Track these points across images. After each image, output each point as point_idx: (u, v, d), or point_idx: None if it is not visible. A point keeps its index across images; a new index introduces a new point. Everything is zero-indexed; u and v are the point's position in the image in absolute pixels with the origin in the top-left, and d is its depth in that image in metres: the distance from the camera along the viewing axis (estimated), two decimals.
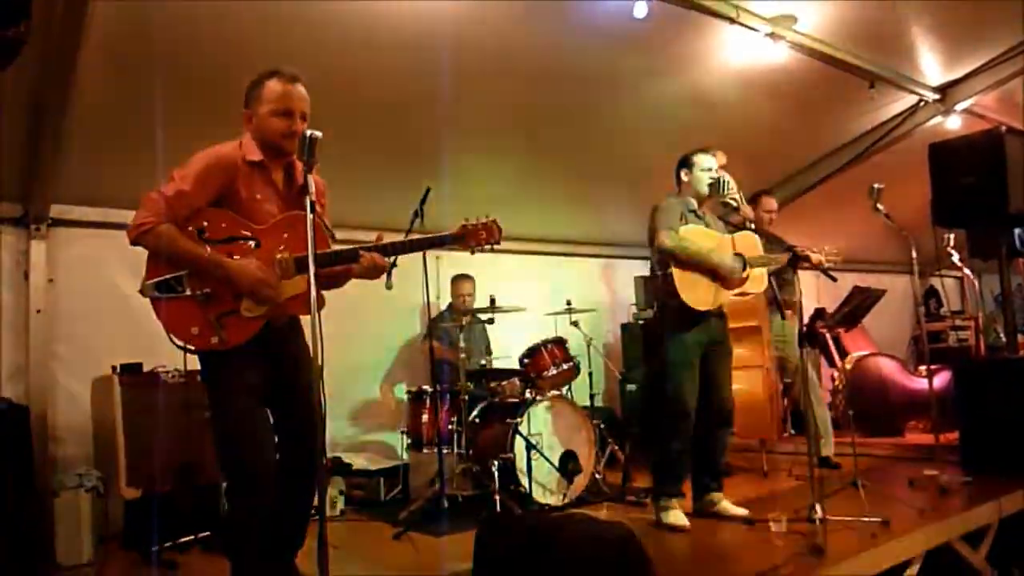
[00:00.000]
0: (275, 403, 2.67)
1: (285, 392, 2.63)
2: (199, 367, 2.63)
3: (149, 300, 2.50)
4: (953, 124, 5.94)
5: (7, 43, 1.65)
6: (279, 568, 2.74)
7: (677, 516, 3.77)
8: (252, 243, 2.56)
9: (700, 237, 3.84)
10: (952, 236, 5.06)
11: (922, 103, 5.96)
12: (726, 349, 4.02)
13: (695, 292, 3.77)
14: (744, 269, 3.88)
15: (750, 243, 3.98)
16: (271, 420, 2.68)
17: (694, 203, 3.96)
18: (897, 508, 3.70)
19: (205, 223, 2.52)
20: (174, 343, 2.50)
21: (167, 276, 2.48)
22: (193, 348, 2.51)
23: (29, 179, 4.10)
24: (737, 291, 3.92)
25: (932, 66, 5.56)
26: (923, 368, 6.49)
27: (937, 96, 5.88)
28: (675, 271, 3.74)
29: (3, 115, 3.59)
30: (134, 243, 2.48)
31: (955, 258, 5.03)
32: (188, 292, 2.48)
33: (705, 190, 3.91)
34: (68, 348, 4.37)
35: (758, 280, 3.98)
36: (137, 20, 3.37)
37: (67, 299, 4.39)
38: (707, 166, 3.94)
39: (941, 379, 5.92)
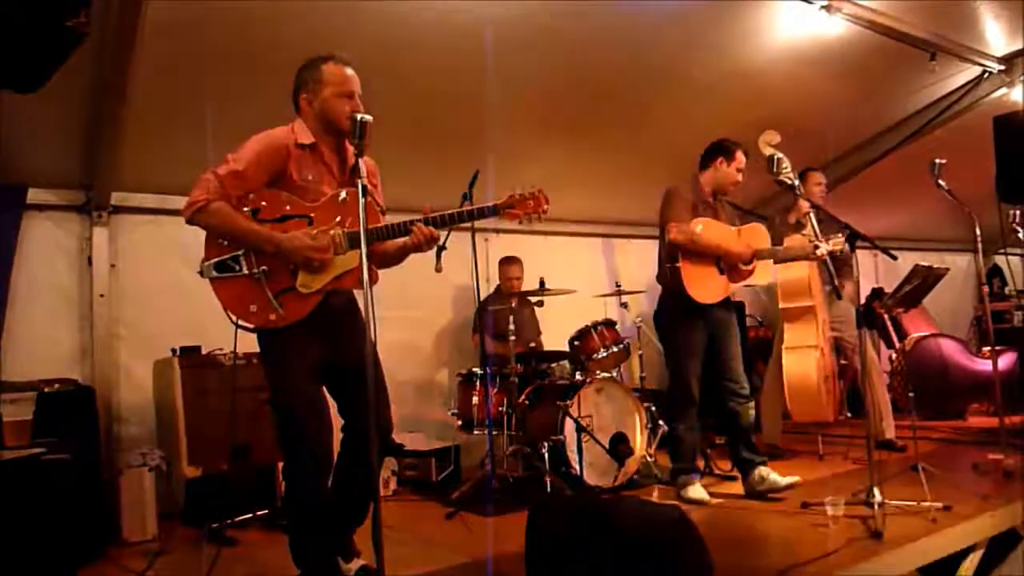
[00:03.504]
0: (334, 382, 2.72)
1: (344, 370, 2.66)
2: (257, 348, 2.69)
3: (208, 280, 2.56)
4: (1018, 96, 5.70)
5: (68, 33, 1.69)
6: (337, 544, 2.81)
7: (697, 490, 3.91)
8: (305, 220, 2.60)
9: (711, 230, 3.88)
10: (1018, 212, 4.87)
11: (986, 74, 5.72)
12: (731, 331, 4.08)
13: (702, 286, 3.86)
14: (751, 261, 3.97)
15: (759, 235, 4.06)
16: (336, 398, 2.75)
17: (708, 195, 4.03)
18: (959, 493, 3.60)
19: (259, 204, 2.58)
20: (232, 321, 2.55)
21: (225, 256, 2.54)
22: (252, 326, 2.57)
23: (91, 167, 4.22)
24: (744, 283, 4.03)
25: (996, 35, 5.33)
26: (986, 349, 6.30)
27: (1002, 67, 5.64)
28: (683, 265, 3.83)
29: (65, 106, 3.69)
30: (189, 221, 2.54)
31: (1021, 235, 4.85)
32: (245, 271, 2.54)
33: (730, 187, 4.02)
34: (130, 331, 4.51)
35: (764, 271, 4.08)
36: (194, 8, 3.42)
37: (129, 284, 4.53)
38: (743, 165, 4.02)
39: (1005, 360, 5.74)
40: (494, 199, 2.72)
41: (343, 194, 2.63)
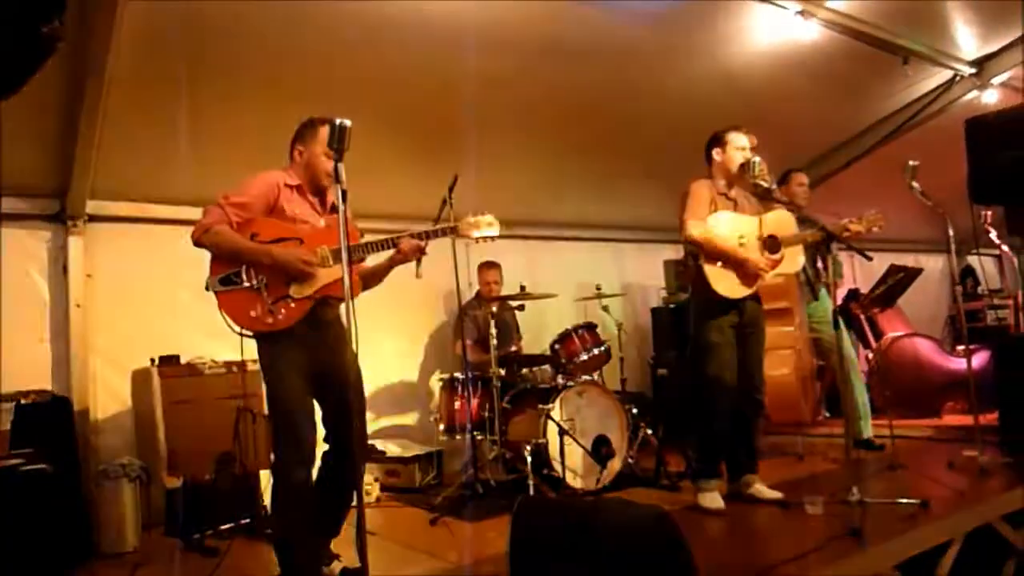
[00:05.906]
0: (319, 392, 2.96)
1: (325, 378, 2.91)
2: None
3: (213, 293, 2.87)
4: (990, 98, 5.81)
5: (42, 41, 1.67)
6: (322, 549, 2.98)
7: (714, 499, 3.77)
8: (297, 242, 2.95)
9: (729, 225, 3.80)
10: (990, 213, 4.95)
11: (957, 78, 5.83)
12: (759, 333, 3.98)
13: (727, 281, 3.76)
14: (778, 250, 3.83)
15: (783, 221, 3.91)
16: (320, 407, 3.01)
17: (724, 185, 3.92)
18: (936, 490, 3.66)
19: (258, 229, 2.93)
20: (233, 329, 2.85)
21: (228, 272, 2.87)
22: (251, 332, 2.87)
23: (65, 176, 4.17)
24: (773, 272, 3.87)
25: (968, 39, 5.43)
26: (960, 348, 6.39)
27: (973, 70, 5.75)
28: (704, 264, 3.74)
29: (39, 113, 3.65)
30: (196, 243, 2.85)
31: (993, 235, 4.93)
32: (246, 283, 2.86)
33: (736, 170, 3.85)
34: (107, 341, 4.46)
35: (793, 259, 3.93)
36: (168, 16, 3.40)
37: (105, 293, 4.47)
38: (741, 144, 3.87)
39: (979, 359, 5.81)
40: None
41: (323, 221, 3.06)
